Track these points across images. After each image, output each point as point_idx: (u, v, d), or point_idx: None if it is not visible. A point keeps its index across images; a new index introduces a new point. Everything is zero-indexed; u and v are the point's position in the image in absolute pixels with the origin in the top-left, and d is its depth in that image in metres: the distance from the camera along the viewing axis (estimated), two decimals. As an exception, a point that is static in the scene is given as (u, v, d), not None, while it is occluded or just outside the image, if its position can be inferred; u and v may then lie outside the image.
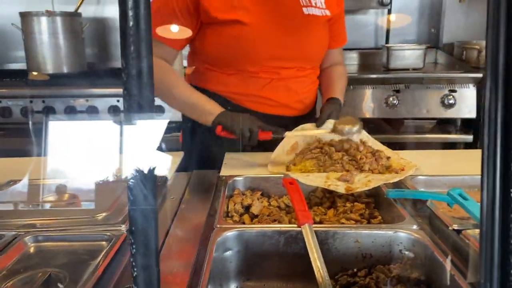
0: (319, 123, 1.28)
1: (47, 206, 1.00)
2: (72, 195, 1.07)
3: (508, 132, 0.34)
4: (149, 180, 0.39)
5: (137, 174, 0.40)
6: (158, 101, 2.36)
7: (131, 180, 0.40)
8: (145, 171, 0.40)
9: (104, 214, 0.89)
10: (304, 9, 1.32)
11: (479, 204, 0.85)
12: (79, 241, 0.79)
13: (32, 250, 0.77)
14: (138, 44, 0.36)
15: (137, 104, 0.37)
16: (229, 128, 1.22)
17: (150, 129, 0.39)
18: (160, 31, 1.28)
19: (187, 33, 1.31)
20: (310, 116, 1.48)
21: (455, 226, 0.81)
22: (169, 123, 2.59)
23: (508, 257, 0.34)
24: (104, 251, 0.73)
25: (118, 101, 2.44)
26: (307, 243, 0.75)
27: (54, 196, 1.03)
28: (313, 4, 1.33)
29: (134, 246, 0.40)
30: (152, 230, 0.39)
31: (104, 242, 0.77)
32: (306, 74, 1.41)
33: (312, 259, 0.72)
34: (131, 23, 0.35)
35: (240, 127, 1.19)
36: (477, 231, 0.79)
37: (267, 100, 1.36)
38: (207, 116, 1.27)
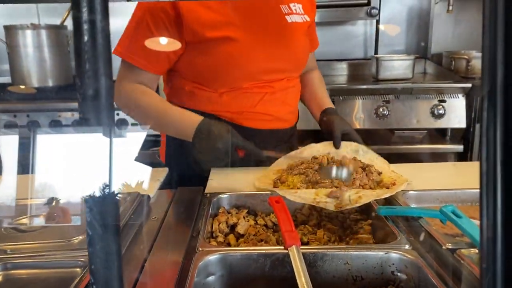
0: (337, 144, 1.25)
1: (21, 228, 0.94)
2: (49, 216, 1.02)
3: (508, 146, 0.31)
4: (107, 204, 0.35)
5: (94, 198, 0.36)
6: (122, 114, 2.34)
7: (88, 208, 0.36)
8: (102, 195, 0.35)
9: (80, 237, 0.84)
10: (287, 17, 1.30)
11: (472, 221, 0.82)
12: (51, 268, 0.74)
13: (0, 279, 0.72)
14: (95, 61, 0.32)
15: (93, 112, 0.33)
16: (203, 149, 1.16)
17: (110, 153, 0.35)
18: (138, 55, 1.23)
19: (169, 56, 1.26)
20: (295, 127, 1.48)
21: (449, 245, 0.77)
22: (157, 136, 2.54)
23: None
24: (78, 278, 0.69)
25: None
26: (294, 267, 0.70)
27: (28, 219, 0.98)
28: (294, 11, 1.33)
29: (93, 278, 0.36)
30: (114, 271, 0.35)
31: (78, 269, 0.72)
32: (294, 83, 1.40)
33: (299, 284, 0.67)
34: (85, 38, 0.31)
35: (215, 146, 1.14)
36: (472, 250, 0.75)
37: (262, 115, 1.33)
38: (187, 129, 1.19)
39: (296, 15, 1.33)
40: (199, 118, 1.19)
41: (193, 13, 1.19)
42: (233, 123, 1.29)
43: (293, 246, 0.74)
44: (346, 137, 1.28)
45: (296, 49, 1.36)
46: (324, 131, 1.35)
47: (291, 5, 1.33)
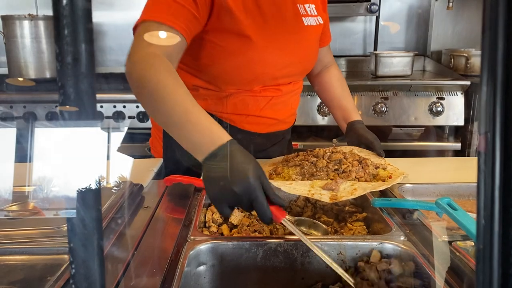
0: (382, 155, 1.21)
1: (10, 215, 0.93)
2: (40, 203, 1.01)
3: (508, 138, 0.30)
4: (88, 193, 0.34)
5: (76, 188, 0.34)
6: (119, 107, 2.33)
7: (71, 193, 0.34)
8: (86, 188, 0.34)
9: (70, 224, 0.82)
10: (304, 20, 1.26)
11: (468, 214, 0.81)
12: (39, 254, 0.73)
13: (-14, 264, 0.70)
14: (74, 27, 0.30)
15: (72, 98, 0.31)
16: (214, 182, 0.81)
17: (89, 134, 0.34)
18: (176, 17, 1.01)
19: (199, 28, 1.09)
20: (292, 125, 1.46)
21: (445, 238, 0.76)
22: (142, 128, 2.52)
23: (509, 279, 0.29)
24: (65, 265, 0.67)
25: (101, 106, 2.37)
26: (295, 233, 0.75)
27: (20, 205, 0.96)
28: (309, 13, 1.29)
29: (73, 266, 0.34)
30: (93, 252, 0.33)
31: (66, 256, 0.71)
32: (299, 86, 1.37)
33: (307, 243, 0.72)
34: (64, 1, 0.30)
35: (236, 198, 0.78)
36: (468, 242, 0.74)
37: (267, 120, 1.29)
38: (202, 143, 0.85)
39: (311, 17, 1.29)
40: (227, 136, 0.85)
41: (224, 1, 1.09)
42: (234, 126, 1.26)
43: (283, 218, 0.78)
44: (370, 146, 1.25)
45: (308, 55, 1.32)
46: (350, 143, 1.32)
47: (306, 5, 1.29)
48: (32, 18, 2.47)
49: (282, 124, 1.35)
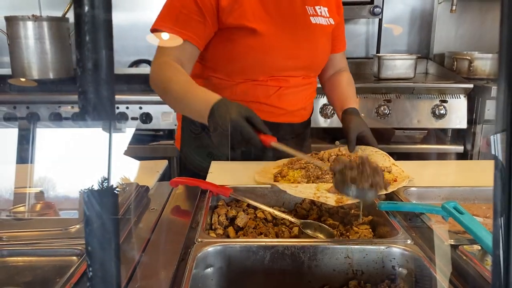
0: (351, 148, 1.24)
1: (18, 216, 0.93)
2: (47, 204, 1.01)
3: None
4: (106, 197, 0.34)
5: (93, 191, 0.34)
6: (122, 108, 2.33)
7: (86, 196, 0.34)
8: (101, 188, 0.34)
9: (78, 226, 0.82)
10: (312, 19, 1.32)
11: (475, 218, 0.81)
12: (47, 256, 0.73)
13: (-5, 265, 0.71)
14: (95, 33, 0.31)
15: (92, 104, 0.32)
16: (219, 127, 1.03)
17: (106, 136, 0.34)
18: (181, 27, 1.20)
19: (211, 33, 1.25)
20: (308, 123, 1.50)
21: (451, 241, 0.76)
22: (157, 130, 2.54)
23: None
24: (74, 267, 0.67)
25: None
26: (286, 151, 0.99)
27: (27, 206, 0.97)
28: (319, 14, 1.35)
29: (90, 269, 0.35)
30: (110, 255, 0.34)
31: (74, 257, 0.71)
32: (310, 81, 1.41)
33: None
34: (86, 8, 0.30)
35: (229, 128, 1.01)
36: (475, 246, 0.74)
37: (275, 109, 1.34)
38: (202, 109, 1.08)
39: (321, 17, 1.35)
40: (218, 96, 1.10)
41: (227, 0, 1.21)
42: None
43: (272, 142, 1.01)
44: (362, 140, 1.27)
45: (316, 50, 1.37)
46: (344, 132, 1.34)
47: (317, 7, 1.35)
48: (36, 19, 2.47)
49: (292, 116, 1.39)
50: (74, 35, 0.31)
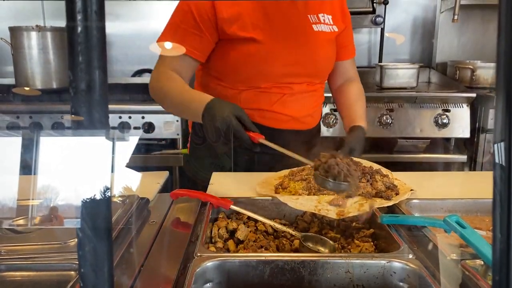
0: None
1: (18, 229, 0.93)
2: (48, 217, 1.01)
3: None
4: (103, 208, 0.34)
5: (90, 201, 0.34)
6: (125, 118, 2.33)
7: (82, 210, 0.34)
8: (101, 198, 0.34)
9: (77, 239, 0.82)
10: (314, 26, 1.33)
11: (477, 232, 0.80)
12: (45, 270, 0.72)
13: (-7, 280, 0.70)
14: (89, 53, 0.31)
15: (86, 126, 0.31)
16: (212, 125, 1.12)
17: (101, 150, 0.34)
18: (181, 41, 1.27)
19: (210, 44, 1.30)
20: (317, 130, 1.50)
21: (454, 256, 0.75)
22: (159, 140, 2.54)
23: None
24: (72, 282, 0.67)
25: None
26: (274, 147, 1.07)
27: (27, 219, 0.96)
28: (322, 21, 1.35)
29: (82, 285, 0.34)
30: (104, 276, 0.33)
31: (72, 272, 0.71)
32: (315, 88, 1.41)
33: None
34: (79, 29, 0.30)
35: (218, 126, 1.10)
36: (478, 261, 0.73)
37: (279, 115, 1.35)
38: (197, 108, 1.17)
39: (324, 25, 1.36)
40: (211, 97, 1.18)
41: (226, 12, 1.24)
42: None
43: (260, 139, 1.09)
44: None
45: (318, 57, 1.37)
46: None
47: (320, 15, 1.35)
48: (40, 29, 2.49)
49: (297, 122, 1.38)
50: (66, 32, 0.31)
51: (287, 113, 1.35)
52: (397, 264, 0.75)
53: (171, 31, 1.29)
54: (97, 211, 0.36)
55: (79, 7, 0.29)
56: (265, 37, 1.27)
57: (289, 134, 1.36)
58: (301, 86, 1.36)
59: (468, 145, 2.43)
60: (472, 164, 2.42)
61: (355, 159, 1.18)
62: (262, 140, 1.11)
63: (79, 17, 0.29)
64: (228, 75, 1.33)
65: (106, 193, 0.37)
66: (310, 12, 1.33)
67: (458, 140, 2.47)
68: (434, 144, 2.48)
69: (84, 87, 0.30)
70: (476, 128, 2.38)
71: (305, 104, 1.39)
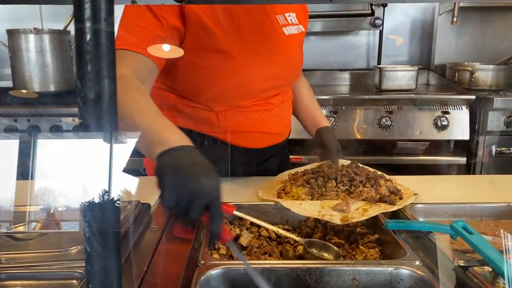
0: (335, 163, 1.22)
1: (17, 236, 0.91)
2: (48, 224, 0.99)
3: None
4: (107, 211, 0.32)
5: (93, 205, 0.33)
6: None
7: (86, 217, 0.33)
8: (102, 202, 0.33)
9: (79, 247, 0.81)
10: (284, 29, 1.24)
11: (485, 238, 0.79)
12: (47, 279, 0.71)
13: (-8, 290, 0.69)
14: (97, 63, 0.29)
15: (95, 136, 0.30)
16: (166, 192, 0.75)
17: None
18: (139, 40, 1.02)
19: (170, 48, 1.09)
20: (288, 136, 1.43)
21: (461, 263, 0.74)
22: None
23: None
24: (73, 292, 0.65)
25: None
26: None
27: (25, 226, 0.95)
28: (289, 22, 1.28)
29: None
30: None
31: (74, 281, 0.69)
32: (288, 96, 1.36)
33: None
34: (88, 37, 0.29)
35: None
36: (486, 268, 0.72)
37: (261, 134, 1.27)
38: (156, 146, 0.81)
39: (292, 26, 1.28)
40: (170, 143, 0.81)
41: (196, 17, 1.08)
42: (229, 144, 1.24)
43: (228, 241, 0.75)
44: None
45: (292, 63, 1.31)
46: (319, 151, 1.32)
47: (286, 15, 1.28)
48: (37, 32, 2.48)
49: (278, 136, 1.34)
50: (75, 42, 0.30)
51: (269, 130, 1.28)
52: (404, 271, 0.74)
53: (128, 28, 1.04)
54: (102, 216, 0.35)
55: (88, 15, 0.28)
56: (238, 51, 1.14)
57: (270, 150, 1.32)
58: (278, 97, 1.28)
59: (467, 147, 2.42)
60: (472, 166, 2.42)
61: (360, 165, 1.18)
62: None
63: (88, 24, 0.28)
64: (203, 94, 1.18)
65: (109, 196, 0.36)
66: (277, 12, 1.24)
67: (458, 142, 2.47)
68: (434, 146, 2.48)
69: (93, 97, 0.29)
70: (476, 130, 2.38)
71: (283, 115, 1.33)
